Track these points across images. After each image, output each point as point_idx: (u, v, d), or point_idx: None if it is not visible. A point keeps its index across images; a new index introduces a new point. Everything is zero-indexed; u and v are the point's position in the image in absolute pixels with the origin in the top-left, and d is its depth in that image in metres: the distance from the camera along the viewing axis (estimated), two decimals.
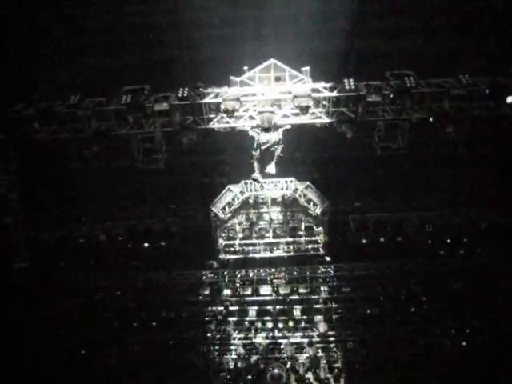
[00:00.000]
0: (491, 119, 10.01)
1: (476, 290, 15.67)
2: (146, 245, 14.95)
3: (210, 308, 16.66)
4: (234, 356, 16.80)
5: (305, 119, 10.11)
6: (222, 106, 9.75)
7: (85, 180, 13.74)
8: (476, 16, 12.63)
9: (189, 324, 16.70)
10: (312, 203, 14.17)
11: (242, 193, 14.17)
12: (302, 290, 16.44)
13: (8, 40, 13.31)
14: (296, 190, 14.02)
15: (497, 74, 9.47)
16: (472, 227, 14.68)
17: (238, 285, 16.40)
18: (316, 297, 16.38)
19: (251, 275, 16.34)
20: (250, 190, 14.20)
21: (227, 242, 15.10)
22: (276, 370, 16.06)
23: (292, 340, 16.62)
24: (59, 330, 16.44)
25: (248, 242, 15.05)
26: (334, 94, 9.77)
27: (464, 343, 15.94)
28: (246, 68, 10.15)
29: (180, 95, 9.82)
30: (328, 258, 15.72)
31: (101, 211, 15.19)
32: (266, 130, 9.77)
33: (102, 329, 16.54)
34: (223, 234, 14.99)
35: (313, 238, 14.94)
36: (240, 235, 14.91)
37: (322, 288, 16.44)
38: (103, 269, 16.07)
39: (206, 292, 16.49)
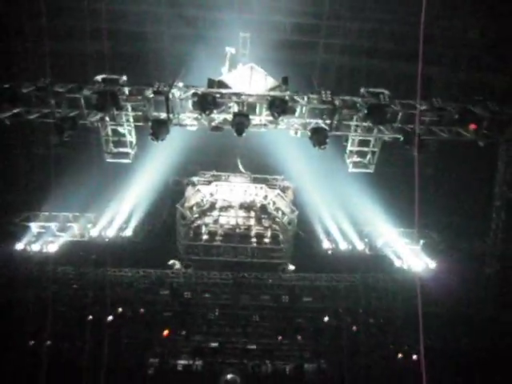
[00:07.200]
0: (460, 144, 10.27)
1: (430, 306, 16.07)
2: (107, 239, 14.54)
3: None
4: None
5: (279, 126, 10.08)
6: (198, 105, 9.59)
7: (48, 167, 13.26)
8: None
9: (145, 323, 16.33)
10: (281, 212, 14.03)
11: (211, 194, 13.89)
12: (263, 297, 16.40)
13: None
14: (266, 197, 13.84)
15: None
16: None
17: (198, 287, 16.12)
18: (276, 305, 16.29)
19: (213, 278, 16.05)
20: (220, 193, 13.94)
21: (191, 243, 14.52)
22: (230, 375, 15.95)
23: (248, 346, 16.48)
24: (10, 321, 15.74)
25: (213, 244, 14.45)
26: (310, 104, 9.77)
27: (415, 357, 16.16)
28: (224, 68, 10.07)
29: (156, 89, 9.57)
30: (292, 267, 15.70)
31: (63, 201, 14.71)
32: (239, 134, 9.66)
33: (54, 321, 15.94)
34: (188, 234, 14.44)
35: (278, 247, 14.60)
36: (205, 237, 14.28)
37: (283, 296, 16.25)
38: (62, 263, 15.65)
39: (166, 292, 16.19)
